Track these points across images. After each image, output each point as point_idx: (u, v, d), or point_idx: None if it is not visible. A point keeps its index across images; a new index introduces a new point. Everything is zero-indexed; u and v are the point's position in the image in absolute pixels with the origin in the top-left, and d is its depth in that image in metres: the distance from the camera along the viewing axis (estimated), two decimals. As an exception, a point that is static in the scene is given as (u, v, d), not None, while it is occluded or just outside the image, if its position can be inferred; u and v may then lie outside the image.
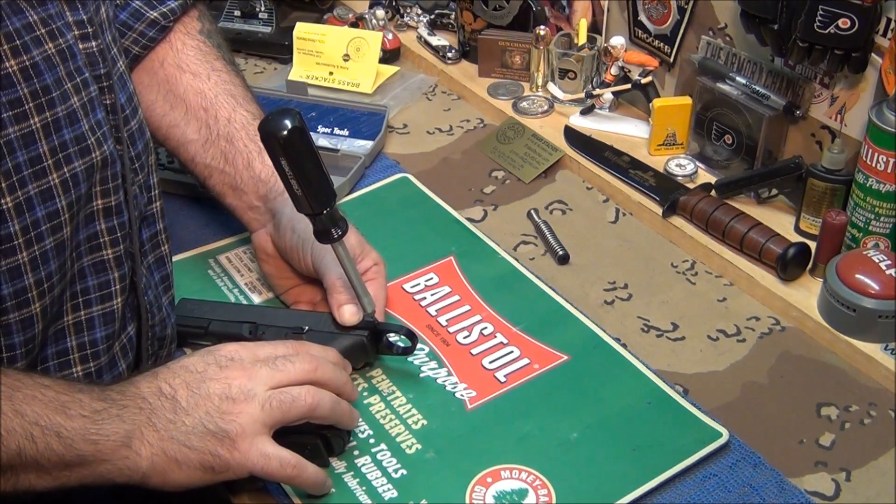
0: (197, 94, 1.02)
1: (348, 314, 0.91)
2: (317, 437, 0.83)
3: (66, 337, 0.81)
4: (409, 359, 0.95)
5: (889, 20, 0.99)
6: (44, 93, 0.73)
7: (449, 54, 1.45)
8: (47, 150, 0.74)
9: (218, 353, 0.80)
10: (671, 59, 1.27)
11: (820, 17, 0.99)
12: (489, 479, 0.83)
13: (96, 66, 0.79)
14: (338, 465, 0.85)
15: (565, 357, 0.95)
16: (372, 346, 0.93)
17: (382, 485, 0.83)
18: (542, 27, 1.35)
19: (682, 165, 1.21)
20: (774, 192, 1.13)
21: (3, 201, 0.71)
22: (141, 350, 0.89)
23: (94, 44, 0.79)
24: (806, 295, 1.02)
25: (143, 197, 0.87)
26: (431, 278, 1.05)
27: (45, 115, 0.73)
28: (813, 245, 1.04)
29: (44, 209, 0.74)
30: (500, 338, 0.97)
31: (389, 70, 1.46)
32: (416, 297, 1.03)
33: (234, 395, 0.77)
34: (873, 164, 0.98)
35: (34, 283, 0.74)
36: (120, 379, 0.82)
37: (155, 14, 0.99)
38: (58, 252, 0.76)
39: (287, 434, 0.83)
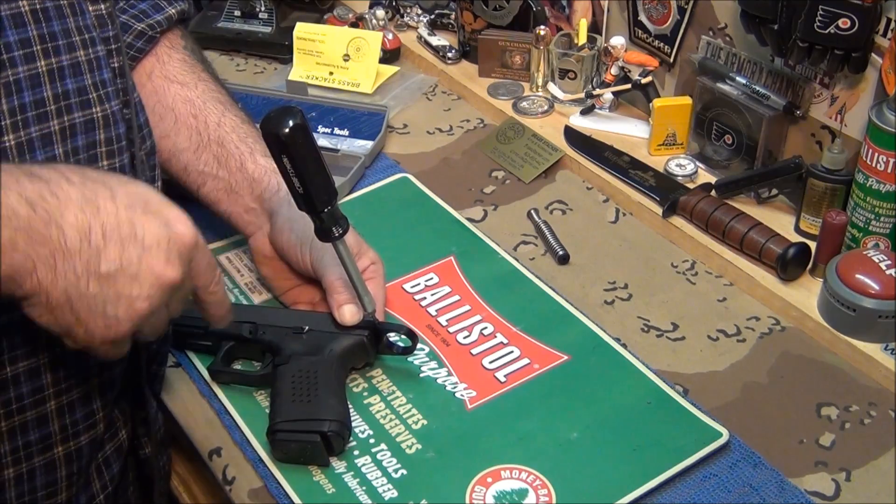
0: (185, 103, 1.03)
1: (348, 314, 0.91)
2: (317, 437, 0.83)
3: None
4: (409, 359, 0.94)
5: (889, 20, 0.99)
6: (51, 38, 0.76)
7: (449, 54, 1.45)
8: (51, 96, 0.76)
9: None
10: (671, 59, 1.27)
11: (820, 17, 0.99)
12: (489, 479, 0.83)
13: (105, 27, 0.81)
14: (338, 465, 0.85)
15: (565, 357, 0.95)
16: (372, 345, 0.92)
17: (382, 485, 0.83)
18: (542, 27, 1.35)
19: (682, 165, 1.21)
20: (774, 192, 1.13)
21: (6, 139, 0.73)
22: (137, 343, 0.88)
23: (102, 6, 0.81)
24: (806, 295, 1.02)
25: (145, 166, 0.88)
26: (431, 278, 1.05)
27: (51, 60, 0.76)
28: (813, 245, 1.04)
29: (43, 154, 0.76)
30: (500, 338, 0.97)
31: (389, 70, 1.46)
32: (416, 297, 1.03)
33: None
34: (873, 164, 0.98)
35: None
36: (114, 375, 0.82)
37: (142, 26, 1.01)
38: None
39: (287, 433, 0.83)
